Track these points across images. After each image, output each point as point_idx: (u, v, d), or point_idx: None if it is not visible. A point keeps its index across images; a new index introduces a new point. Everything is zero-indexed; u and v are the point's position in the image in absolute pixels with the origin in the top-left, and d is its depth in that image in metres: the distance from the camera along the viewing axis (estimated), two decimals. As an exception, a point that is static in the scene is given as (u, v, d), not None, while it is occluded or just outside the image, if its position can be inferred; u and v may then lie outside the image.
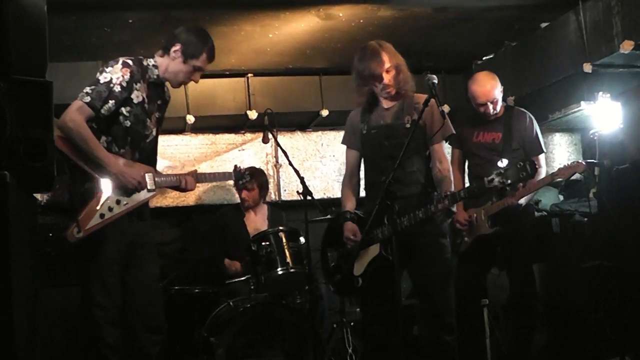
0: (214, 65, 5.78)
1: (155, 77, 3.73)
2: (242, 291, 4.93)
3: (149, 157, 3.78)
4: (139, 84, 3.64)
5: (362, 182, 4.15)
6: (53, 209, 3.62)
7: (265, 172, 6.04)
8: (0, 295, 2.25)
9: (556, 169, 4.61)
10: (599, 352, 4.75)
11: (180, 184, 3.83)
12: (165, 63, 3.74)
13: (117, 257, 3.60)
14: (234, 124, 6.26)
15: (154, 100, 3.76)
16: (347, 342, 4.96)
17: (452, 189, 3.81)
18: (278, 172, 6.39)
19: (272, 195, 6.29)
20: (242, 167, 4.26)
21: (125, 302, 3.65)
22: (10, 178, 2.33)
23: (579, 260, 5.03)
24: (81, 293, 3.69)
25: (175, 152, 6.23)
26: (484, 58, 6.14)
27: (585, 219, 5.20)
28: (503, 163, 4.27)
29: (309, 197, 4.34)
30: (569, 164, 4.49)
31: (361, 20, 5.05)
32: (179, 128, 6.15)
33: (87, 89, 3.53)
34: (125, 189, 3.58)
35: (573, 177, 4.58)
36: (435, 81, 3.43)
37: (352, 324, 5.05)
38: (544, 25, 5.42)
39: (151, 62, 3.74)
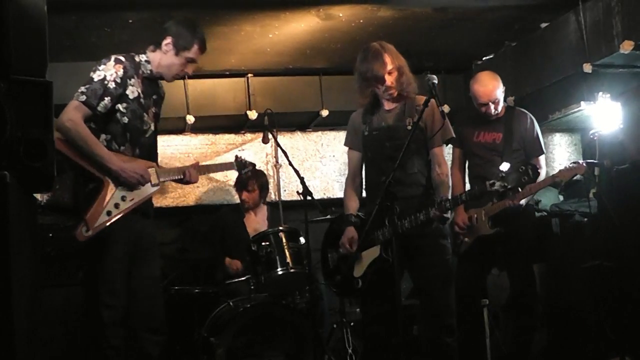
0: (214, 65, 5.86)
1: (148, 72, 3.74)
2: (242, 291, 4.93)
3: (150, 153, 3.79)
4: (133, 80, 3.65)
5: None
6: (53, 209, 3.63)
7: (265, 172, 6.04)
8: (0, 295, 2.25)
9: (556, 170, 4.61)
10: (599, 352, 4.75)
11: (183, 176, 3.84)
12: (158, 57, 3.75)
13: (123, 256, 3.60)
14: (234, 124, 6.26)
15: (150, 95, 3.77)
16: (347, 342, 4.96)
17: (449, 194, 3.81)
18: (278, 172, 6.39)
19: (272, 196, 6.28)
20: (243, 157, 4.27)
21: (127, 302, 3.65)
22: (10, 178, 2.33)
23: (579, 261, 5.02)
24: (86, 293, 3.70)
25: (175, 152, 6.23)
26: (484, 58, 6.14)
27: (585, 219, 5.19)
28: (504, 167, 4.27)
29: (309, 197, 4.34)
30: (570, 165, 4.49)
31: (361, 21, 5.05)
32: (179, 128, 6.15)
33: (82, 89, 3.54)
34: (129, 185, 3.58)
35: (573, 178, 4.58)
36: (435, 81, 3.43)
37: (352, 324, 5.06)
38: (544, 25, 5.42)
39: (143, 57, 3.75)
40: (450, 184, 3.96)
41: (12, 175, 2.35)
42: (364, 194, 4.16)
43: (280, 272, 4.63)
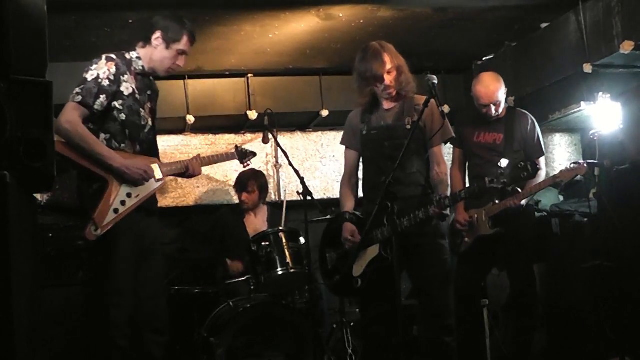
0: (214, 65, 5.87)
1: (140, 68, 3.75)
2: (242, 291, 4.93)
3: (150, 149, 3.80)
4: (126, 76, 3.66)
5: (360, 183, 4.16)
6: (53, 209, 3.63)
7: (265, 172, 6.04)
8: (0, 295, 2.25)
9: (557, 170, 4.61)
10: (599, 352, 4.75)
11: (186, 170, 3.85)
12: (149, 53, 3.76)
13: (130, 256, 3.61)
14: (234, 124, 6.26)
15: (144, 91, 3.77)
16: (347, 342, 4.96)
17: (448, 193, 3.81)
18: (278, 172, 6.39)
19: (272, 196, 6.29)
20: (243, 147, 4.28)
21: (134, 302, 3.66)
22: (10, 178, 2.34)
23: (579, 261, 5.02)
24: (91, 293, 3.70)
25: (175, 152, 6.22)
26: (484, 58, 6.14)
27: (585, 220, 5.19)
28: (503, 163, 4.27)
29: (309, 198, 4.34)
30: (571, 166, 4.48)
31: (361, 21, 5.05)
32: (179, 128, 6.15)
33: (77, 90, 3.55)
34: (133, 181, 3.59)
35: (574, 178, 4.57)
36: (436, 81, 3.43)
37: (352, 324, 5.06)
38: (544, 25, 5.42)
39: (134, 54, 3.76)
40: (450, 183, 3.97)
41: (12, 175, 2.35)
42: (360, 194, 4.16)
43: (280, 272, 4.63)
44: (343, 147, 4.17)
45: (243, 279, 4.98)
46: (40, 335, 2.71)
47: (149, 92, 3.82)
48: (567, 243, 5.31)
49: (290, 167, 4.49)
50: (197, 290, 5.03)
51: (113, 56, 3.65)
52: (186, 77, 5.95)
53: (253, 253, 4.70)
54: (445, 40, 5.55)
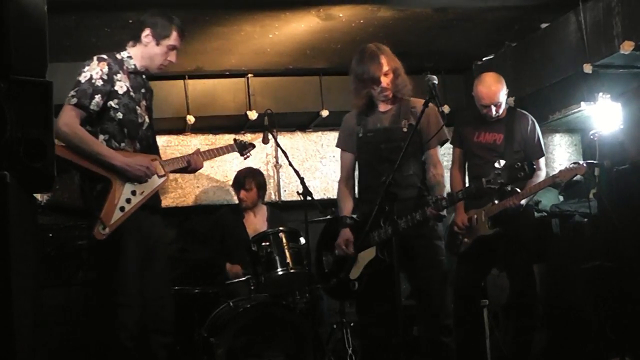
0: (214, 66, 5.86)
1: (133, 67, 3.76)
2: (242, 291, 4.93)
3: (150, 146, 3.81)
4: (119, 75, 3.67)
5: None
6: (53, 209, 3.64)
7: (265, 172, 6.04)
8: (0, 295, 2.25)
9: (557, 170, 4.61)
10: (599, 352, 4.75)
11: (189, 164, 3.86)
12: (140, 51, 3.77)
13: (137, 255, 3.61)
14: (234, 124, 6.26)
15: (138, 89, 3.78)
16: (347, 342, 4.95)
17: (445, 195, 3.82)
18: (278, 172, 6.39)
19: (272, 196, 6.28)
20: (241, 139, 4.29)
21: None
22: (10, 178, 2.33)
23: (579, 261, 5.03)
24: (98, 294, 3.70)
25: (175, 152, 6.20)
26: (484, 59, 6.14)
27: (585, 220, 5.20)
28: (500, 163, 4.27)
29: (309, 198, 4.34)
30: (570, 165, 4.48)
31: (361, 21, 5.05)
32: (179, 128, 6.15)
33: (72, 92, 3.57)
34: (135, 179, 3.60)
35: (573, 178, 4.58)
36: (436, 82, 3.43)
37: (352, 324, 5.05)
38: (544, 25, 5.42)
39: (125, 54, 3.77)
40: (445, 185, 3.98)
41: (12, 175, 2.35)
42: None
43: (280, 273, 4.63)
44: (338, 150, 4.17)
45: (243, 279, 4.98)
46: (40, 335, 2.70)
47: (143, 90, 3.82)
48: (567, 243, 5.31)
49: (290, 167, 4.49)
50: (197, 290, 5.02)
51: (104, 56, 3.66)
52: (186, 77, 5.95)
53: (253, 253, 4.70)
54: (445, 40, 5.55)
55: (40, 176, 2.53)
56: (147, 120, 3.79)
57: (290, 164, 4.49)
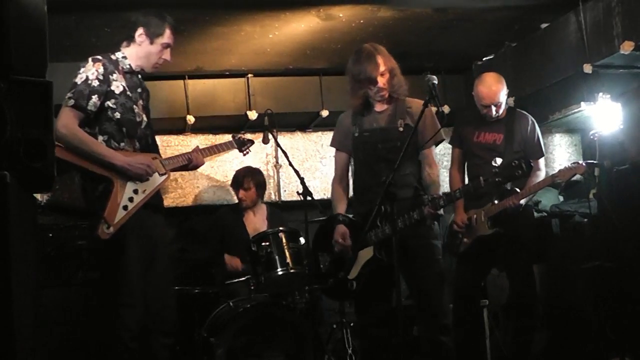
0: (214, 66, 5.86)
1: (128, 67, 3.76)
2: (242, 291, 4.93)
3: (149, 145, 3.82)
4: (115, 75, 3.67)
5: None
6: (53, 209, 3.64)
7: (265, 172, 6.04)
8: (0, 295, 2.25)
9: (556, 170, 4.61)
10: (599, 352, 4.75)
11: (189, 161, 3.88)
12: (134, 51, 3.77)
13: (141, 255, 3.62)
14: (234, 124, 6.26)
15: (134, 88, 3.78)
16: (347, 342, 4.95)
17: (440, 194, 3.83)
18: (278, 172, 6.39)
19: (272, 196, 6.28)
20: (240, 135, 4.32)
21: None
22: (10, 178, 2.33)
23: (579, 261, 5.03)
24: (100, 294, 3.70)
25: (175, 152, 6.16)
26: (484, 59, 6.14)
27: (585, 220, 5.20)
28: (497, 162, 4.28)
29: (308, 198, 4.34)
30: (569, 165, 4.49)
31: (361, 21, 5.05)
32: (179, 128, 6.15)
33: (68, 94, 3.57)
34: (137, 177, 3.61)
35: (573, 178, 4.58)
36: (435, 82, 3.44)
37: (352, 324, 5.05)
38: (544, 25, 5.42)
39: (119, 54, 3.78)
40: (441, 184, 3.99)
41: (12, 175, 2.34)
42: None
43: (280, 273, 4.63)
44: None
45: (243, 279, 4.98)
46: (40, 335, 2.70)
47: (139, 90, 3.82)
48: (567, 243, 5.31)
49: (290, 167, 4.50)
50: (197, 290, 5.02)
51: (99, 57, 3.67)
52: (186, 77, 5.96)
53: (253, 253, 4.70)
54: (445, 40, 5.55)
55: (40, 176, 2.53)
56: (145, 119, 3.79)
57: (290, 164, 4.50)
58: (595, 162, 4.82)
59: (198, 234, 6.16)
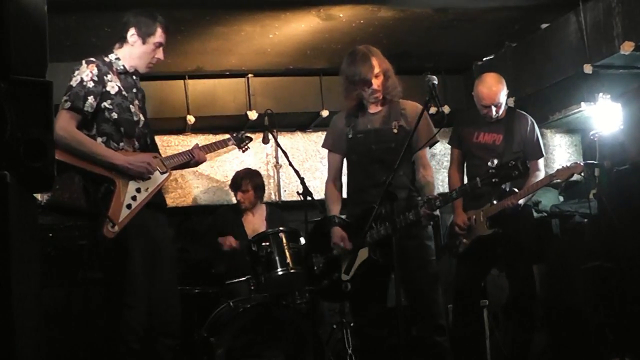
0: (214, 66, 5.86)
1: (121, 68, 3.77)
2: (242, 291, 4.93)
3: (148, 144, 3.83)
4: (109, 75, 3.68)
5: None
6: (53, 209, 3.63)
7: (265, 172, 6.04)
8: (0, 295, 2.25)
9: (555, 170, 4.61)
10: (599, 353, 4.75)
11: (191, 159, 3.90)
12: (127, 52, 3.78)
13: (144, 256, 3.62)
14: (234, 124, 6.25)
15: (130, 89, 3.79)
16: (347, 342, 4.95)
17: (436, 194, 3.83)
18: (278, 172, 6.39)
19: (272, 196, 6.28)
20: (238, 132, 4.35)
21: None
22: (10, 178, 2.33)
23: (579, 261, 5.02)
24: (105, 295, 3.70)
25: (175, 152, 6.20)
26: (484, 59, 6.14)
27: (585, 220, 5.20)
28: (494, 162, 4.28)
29: (309, 198, 4.34)
30: (568, 165, 4.50)
31: (361, 21, 5.05)
32: (179, 128, 6.15)
33: (64, 97, 3.58)
34: (138, 176, 3.62)
35: (573, 178, 4.58)
36: (435, 82, 3.43)
37: (352, 324, 5.05)
38: (544, 26, 5.42)
39: (112, 56, 3.79)
40: (435, 185, 4.00)
41: (12, 175, 2.34)
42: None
43: (280, 273, 4.63)
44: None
45: (243, 279, 4.98)
46: (40, 335, 2.70)
47: (134, 90, 3.83)
48: (567, 244, 5.31)
49: (290, 168, 4.50)
50: (197, 290, 5.03)
51: (92, 59, 3.68)
52: (186, 77, 5.96)
53: (253, 253, 4.70)
54: (445, 40, 5.55)
55: (40, 176, 2.53)
56: (142, 118, 3.80)
57: (291, 164, 4.50)
58: (595, 162, 4.82)
59: (198, 234, 6.16)
